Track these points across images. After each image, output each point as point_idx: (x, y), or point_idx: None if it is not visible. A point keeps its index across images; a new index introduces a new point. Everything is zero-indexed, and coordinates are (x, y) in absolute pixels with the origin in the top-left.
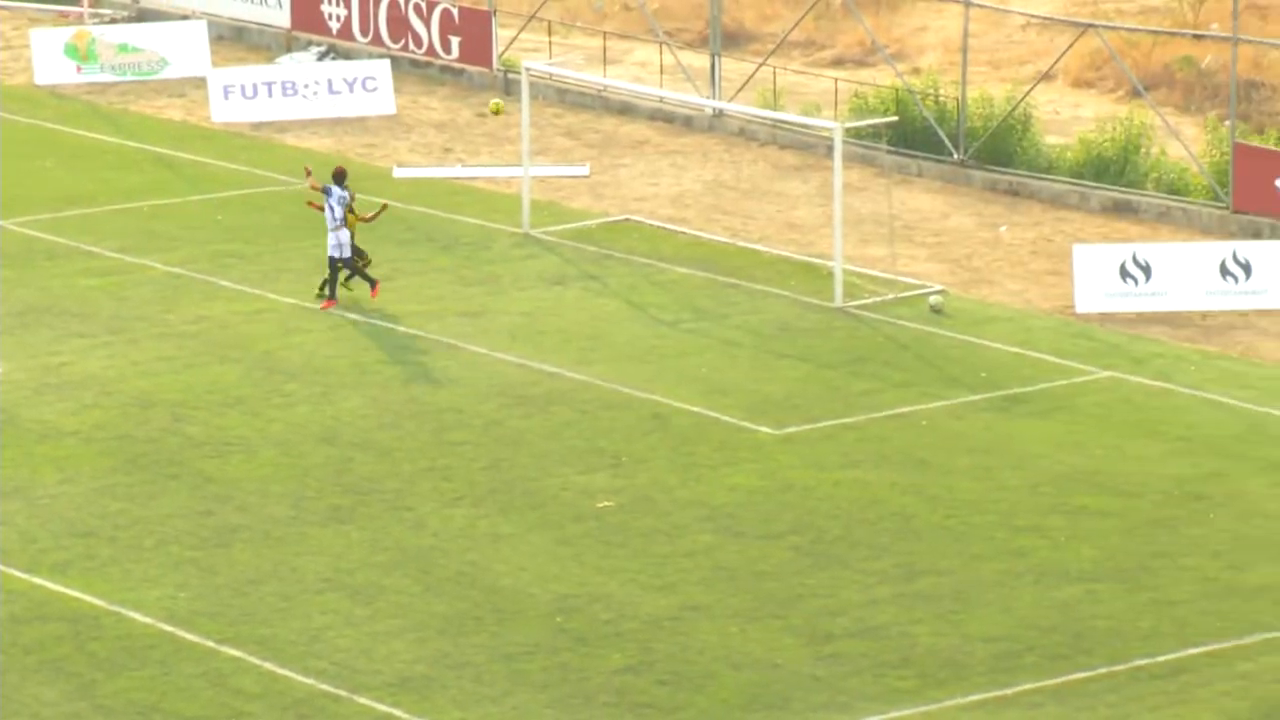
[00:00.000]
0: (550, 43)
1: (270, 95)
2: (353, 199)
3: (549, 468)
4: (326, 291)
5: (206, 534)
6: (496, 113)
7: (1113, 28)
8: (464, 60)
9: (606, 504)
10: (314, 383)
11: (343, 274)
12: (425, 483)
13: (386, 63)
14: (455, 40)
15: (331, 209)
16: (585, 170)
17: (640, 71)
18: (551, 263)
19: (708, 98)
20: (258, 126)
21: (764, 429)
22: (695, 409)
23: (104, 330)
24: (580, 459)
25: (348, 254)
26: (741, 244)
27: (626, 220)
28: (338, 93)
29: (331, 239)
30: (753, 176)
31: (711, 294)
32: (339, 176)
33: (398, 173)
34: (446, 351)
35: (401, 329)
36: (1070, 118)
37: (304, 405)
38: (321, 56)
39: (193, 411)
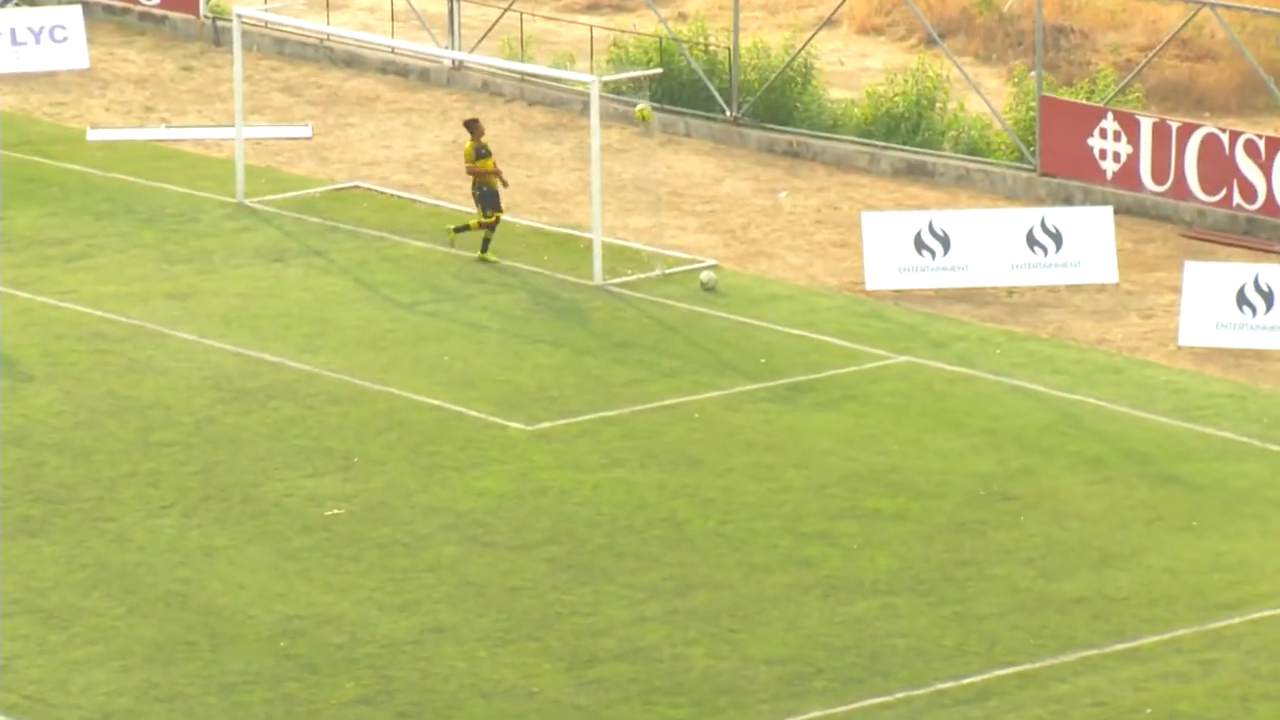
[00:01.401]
0: None
1: None
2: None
3: (270, 471)
4: None
5: None
6: (644, 118)
7: None
8: (166, 6)
9: (336, 512)
10: None
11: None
12: (129, 489)
13: (78, 9)
14: None
15: None
16: (307, 131)
17: (369, 18)
18: (270, 236)
19: (446, 48)
20: None
21: (515, 425)
22: (436, 402)
23: None
24: (306, 461)
25: None
26: None
27: (355, 187)
28: (22, 44)
29: None
30: (499, 137)
31: (453, 271)
32: None
33: (92, 135)
34: (151, 339)
35: (99, 313)
36: (857, 69)
37: None
38: (3, 3)
39: None
